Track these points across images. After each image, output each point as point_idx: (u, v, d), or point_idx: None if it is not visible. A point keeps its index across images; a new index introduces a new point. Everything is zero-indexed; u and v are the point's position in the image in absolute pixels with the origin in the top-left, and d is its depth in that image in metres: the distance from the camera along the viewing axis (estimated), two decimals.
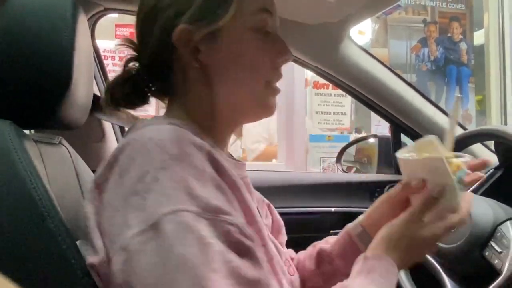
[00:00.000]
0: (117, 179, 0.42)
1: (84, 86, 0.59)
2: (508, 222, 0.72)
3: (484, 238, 0.71)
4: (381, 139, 1.47)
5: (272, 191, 1.25)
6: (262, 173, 1.39)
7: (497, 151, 1.03)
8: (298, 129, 3.13)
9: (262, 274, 0.41)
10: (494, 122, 3.29)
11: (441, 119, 1.19)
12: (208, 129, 0.53)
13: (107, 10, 1.04)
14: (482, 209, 0.75)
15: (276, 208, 1.22)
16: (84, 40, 0.57)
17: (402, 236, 0.49)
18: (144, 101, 0.57)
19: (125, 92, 0.55)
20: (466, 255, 0.73)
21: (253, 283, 0.39)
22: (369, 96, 1.17)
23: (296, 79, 2.94)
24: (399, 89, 1.15)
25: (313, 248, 0.72)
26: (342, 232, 0.65)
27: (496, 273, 0.67)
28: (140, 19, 0.54)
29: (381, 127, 3.29)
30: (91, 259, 0.42)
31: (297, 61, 1.13)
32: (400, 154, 0.54)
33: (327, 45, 1.07)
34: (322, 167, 3.19)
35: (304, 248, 1.22)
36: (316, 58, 1.10)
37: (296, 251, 1.23)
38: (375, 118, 3.42)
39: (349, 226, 0.65)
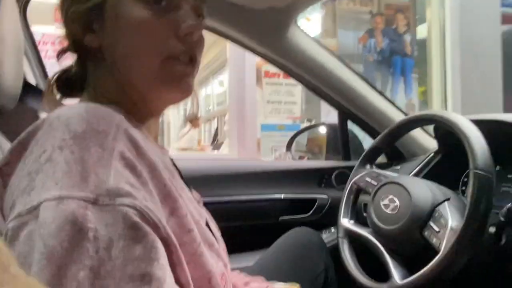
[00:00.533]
0: (20, 162, 0.40)
1: (12, 71, 0.56)
2: (445, 202, 0.76)
3: (423, 219, 0.75)
4: (329, 127, 1.51)
5: (221, 180, 1.24)
6: (210, 162, 1.38)
7: (436, 136, 1.08)
8: (250, 119, 3.15)
9: (151, 267, 0.35)
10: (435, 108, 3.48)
11: (386, 107, 1.23)
12: (128, 112, 0.49)
13: None
14: (422, 191, 0.79)
15: (224, 196, 1.22)
16: (10, 24, 0.55)
17: None
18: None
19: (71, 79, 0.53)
20: (407, 236, 0.77)
21: (134, 277, 0.34)
22: (316, 83, 1.18)
23: (247, 67, 2.94)
24: (345, 77, 1.18)
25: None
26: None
27: (435, 251, 0.70)
28: (59, 4, 0.52)
29: (332, 116, 3.38)
30: None
31: (245, 46, 1.12)
32: None
33: (274, 31, 1.06)
34: (274, 156, 3.23)
35: (253, 236, 1.24)
36: (264, 44, 1.09)
37: (246, 239, 1.23)
38: (325, 107, 3.50)
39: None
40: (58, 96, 0.55)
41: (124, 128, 0.41)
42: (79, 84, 0.54)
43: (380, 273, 0.79)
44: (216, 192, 1.21)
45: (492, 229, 0.76)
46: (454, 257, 0.66)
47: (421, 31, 3.52)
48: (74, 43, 0.51)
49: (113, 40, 0.49)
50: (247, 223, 1.24)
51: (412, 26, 3.45)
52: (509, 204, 0.74)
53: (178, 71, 0.50)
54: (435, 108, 3.44)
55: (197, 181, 1.20)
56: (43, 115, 1.04)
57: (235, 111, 3.17)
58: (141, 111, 0.52)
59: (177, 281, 0.40)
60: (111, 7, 0.48)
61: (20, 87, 0.63)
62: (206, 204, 1.25)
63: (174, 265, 0.40)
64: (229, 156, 3.15)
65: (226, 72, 3.48)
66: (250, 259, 1.01)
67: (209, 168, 1.27)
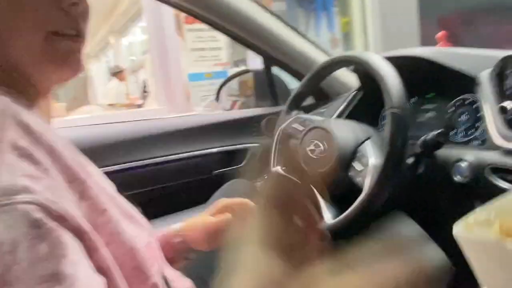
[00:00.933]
0: None
1: None
2: (367, 141, 0.80)
3: (347, 160, 0.78)
4: (256, 73, 1.49)
5: (148, 141, 1.20)
6: (135, 123, 1.32)
7: (357, 74, 1.11)
8: (175, 70, 3.02)
9: (59, 265, 0.34)
10: (357, 43, 3.58)
11: (309, 50, 1.23)
12: (15, 93, 0.45)
13: None
14: (344, 133, 0.81)
15: (154, 158, 1.18)
16: None
17: None
18: None
19: None
20: (334, 178, 0.80)
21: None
22: (236, 30, 1.14)
23: (165, 14, 2.77)
24: (266, 22, 1.15)
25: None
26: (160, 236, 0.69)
27: (360, 190, 0.74)
28: None
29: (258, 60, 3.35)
30: None
31: None
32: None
33: None
34: (204, 105, 3.18)
35: (188, 194, 1.23)
36: None
37: (182, 198, 1.23)
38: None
39: (169, 232, 0.70)
40: None
41: (11, 114, 0.38)
42: None
43: None
44: (145, 155, 1.17)
45: (410, 160, 0.81)
46: (377, 193, 0.70)
47: None
48: None
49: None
50: (180, 182, 1.23)
51: None
52: (424, 136, 0.79)
53: (64, 48, 0.46)
54: (357, 39, 3.54)
55: (124, 145, 1.16)
56: None
57: (158, 63, 3.02)
58: (28, 91, 0.47)
59: (99, 267, 0.39)
60: None
61: None
62: (136, 168, 1.21)
63: (91, 252, 0.38)
64: (158, 111, 3.05)
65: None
66: (187, 217, 1.01)
67: (135, 130, 1.22)
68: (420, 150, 0.79)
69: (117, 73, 5.53)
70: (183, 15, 3.07)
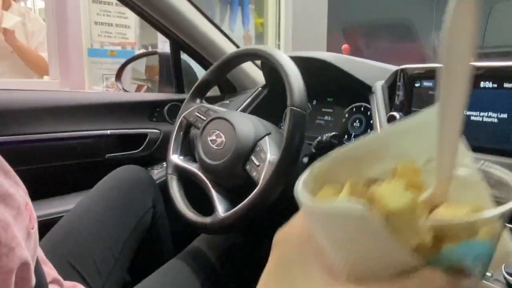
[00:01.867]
0: None
1: None
2: (266, 137, 0.81)
3: (245, 153, 0.78)
4: (162, 56, 1.43)
5: (36, 115, 1.08)
6: (27, 93, 1.18)
7: (263, 70, 1.13)
8: (73, 41, 2.77)
9: None
10: (269, 44, 3.67)
11: (219, 39, 1.21)
12: None
13: None
14: (246, 127, 0.81)
15: (41, 134, 1.07)
16: None
17: None
18: None
19: None
20: (230, 170, 0.80)
21: None
22: (146, 9, 1.08)
23: None
24: (177, 5, 1.11)
25: None
26: None
27: (255, 184, 0.75)
28: None
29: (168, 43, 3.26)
30: None
31: None
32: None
33: None
34: (105, 85, 2.98)
35: (77, 176, 1.14)
36: None
37: (69, 180, 1.13)
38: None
39: None
40: None
41: None
42: None
43: (208, 208, 0.81)
44: (30, 129, 1.05)
45: (305, 159, 0.85)
46: (271, 188, 0.72)
47: None
48: None
49: None
50: (69, 162, 1.13)
51: None
52: (319, 137, 0.82)
53: None
54: (270, 40, 3.63)
55: (9, 115, 1.02)
56: None
57: (54, 28, 2.74)
58: None
59: None
60: None
61: None
62: (21, 143, 1.08)
63: None
64: (50, 84, 2.77)
65: None
66: (74, 201, 0.93)
67: (23, 100, 1.09)
68: (314, 151, 0.82)
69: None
70: None
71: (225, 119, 0.84)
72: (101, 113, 1.20)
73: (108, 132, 1.18)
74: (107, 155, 1.18)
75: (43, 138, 1.08)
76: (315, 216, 0.22)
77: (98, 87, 2.92)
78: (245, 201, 0.73)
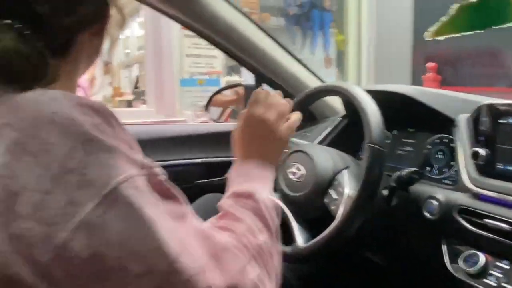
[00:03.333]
0: (28, 162, 0.40)
1: None
2: (344, 170, 0.83)
3: (324, 187, 0.81)
4: (247, 88, 1.52)
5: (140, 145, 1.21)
6: (131, 127, 1.34)
7: (343, 101, 1.15)
8: (168, 74, 3.04)
9: (186, 208, 0.48)
10: (350, 63, 3.65)
11: (300, 72, 1.27)
12: None
13: None
14: (324, 160, 0.84)
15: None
16: None
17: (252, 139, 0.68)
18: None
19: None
20: (310, 202, 0.83)
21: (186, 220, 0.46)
22: (231, 47, 1.17)
23: (163, 19, 2.79)
24: (261, 41, 1.18)
25: None
26: None
27: (333, 218, 0.77)
28: None
29: None
30: None
31: (156, 8, 1.07)
32: None
33: None
34: (194, 112, 3.20)
35: None
36: (174, 5, 1.05)
37: None
38: None
39: None
40: None
41: (104, 110, 0.46)
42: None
43: (285, 237, 0.85)
44: None
45: (384, 192, 0.84)
46: (349, 223, 0.74)
47: None
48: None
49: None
50: None
51: None
52: (400, 171, 0.82)
53: None
54: (351, 59, 3.60)
55: None
56: None
57: (152, 62, 3.03)
58: None
59: None
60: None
61: None
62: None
63: None
64: (147, 113, 3.06)
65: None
66: None
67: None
68: (394, 185, 0.82)
69: (104, 65, 5.46)
70: None
71: (304, 152, 0.88)
72: (192, 143, 1.31)
73: (198, 160, 1.29)
74: (195, 181, 1.29)
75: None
76: None
77: (187, 112, 3.15)
78: (323, 234, 0.76)
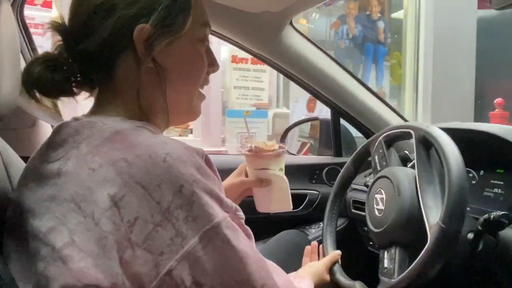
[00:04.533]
0: (142, 195, 0.46)
1: (9, 77, 0.57)
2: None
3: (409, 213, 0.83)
4: (323, 122, 1.57)
5: None
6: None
7: None
8: (215, 104, 3.15)
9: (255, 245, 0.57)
10: (407, 96, 3.62)
11: (379, 108, 1.32)
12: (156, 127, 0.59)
13: None
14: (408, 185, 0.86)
15: None
16: (6, 27, 0.56)
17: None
18: (69, 91, 0.59)
19: (52, 78, 0.56)
20: (394, 234, 0.85)
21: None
22: (309, 82, 1.24)
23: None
24: (339, 77, 1.26)
25: None
26: None
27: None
28: (91, 9, 0.56)
29: (300, 103, 3.49)
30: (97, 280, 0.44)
31: (239, 46, 1.15)
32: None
33: (268, 33, 1.12)
34: (240, 143, 3.27)
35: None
36: (258, 45, 1.14)
37: None
38: (294, 93, 3.59)
39: None
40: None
41: (203, 154, 0.54)
42: (67, 86, 0.58)
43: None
44: None
45: (470, 236, 0.82)
46: (428, 265, 0.74)
47: (396, 17, 3.62)
48: (112, 51, 0.56)
49: (173, 67, 0.58)
50: None
51: (387, 13, 3.56)
52: (488, 214, 0.81)
53: (200, 109, 0.65)
54: (407, 93, 3.57)
55: None
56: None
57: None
58: (159, 129, 0.61)
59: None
60: (180, 40, 0.58)
61: (18, 93, 0.63)
62: None
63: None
64: (193, 142, 3.15)
65: None
66: None
67: None
68: (481, 228, 0.81)
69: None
70: (231, 53, 3.24)
71: (386, 177, 0.91)
72: None
73: None
74: (271, 213, 1.33)
75: None
76: None
77: (232, 144, 3.22)
78: (403, 274, 0.77)
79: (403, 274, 0.78)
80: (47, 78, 0.56)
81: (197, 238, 0.47)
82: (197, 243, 0.47)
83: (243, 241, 0.51)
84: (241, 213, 0.55)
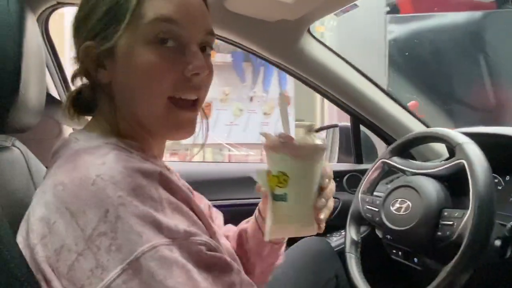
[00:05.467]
0: (69, 222, 0.43)
1: (35, 89, 0.60)
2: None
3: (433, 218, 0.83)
4: (342, 129, 1.56)
5: (211, 184, 1.27)
6: (194, 165, 1.44)
7: (446, 146, 1.13)
8: None
9: (235, 277, 0.48)
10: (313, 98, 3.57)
11: (400, 114, 1.28)
12: (139, 142, 0.55)
13: (60, 4, 1.04)
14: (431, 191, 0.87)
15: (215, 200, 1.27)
16: (32, 41, 0.58)
17: None
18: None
19: (84, 102, 0.58)
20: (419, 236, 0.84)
21: None
22: (328, 89, 1.23)
23: None
24: (358, 84, 1.23)
25: (237, 228, 0.78)
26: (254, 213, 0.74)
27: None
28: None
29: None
30: None
31: (257, 55, 1.17)
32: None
33: (286, 41, 1.12)
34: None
35: None
36: (276, 54, 1.14)
37: None
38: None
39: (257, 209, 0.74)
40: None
41: (157, 174, 0.47)
42: (90, 106, 0.59)
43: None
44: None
45: (497, 242, 0.80)
46: (458, 273, 0.72)
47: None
48: (86, 73, 0.56)
49: (123, 79, 0.53)
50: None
51: None
52: None
53: (183, 118, 0.55)
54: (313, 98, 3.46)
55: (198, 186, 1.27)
56: (65, 127, 1.11)
57: None
58: (149, 143, 0.57)
59: None
60: (122, 48, 0.52)
61: (43, 103, 0.66)
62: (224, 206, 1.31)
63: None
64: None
65: None
66: None
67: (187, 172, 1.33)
68: (508, 235, 0.78)
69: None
70: None
71: (409, 186, 0.90)
72: None
73: None
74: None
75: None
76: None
77: None
78: (433, 283, 0.75)
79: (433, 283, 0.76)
80: (83, 102, 0.58)
81: (119, 270, 0.41)
82: (118, 277, 0.41)
83: (177, 277, 0.42)
84: (201, 238, 0.46)
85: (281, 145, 0.52)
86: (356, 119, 1.36)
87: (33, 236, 0.45)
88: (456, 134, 0.85)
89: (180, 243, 0.44)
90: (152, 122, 0.54)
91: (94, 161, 0.46)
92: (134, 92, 0.53)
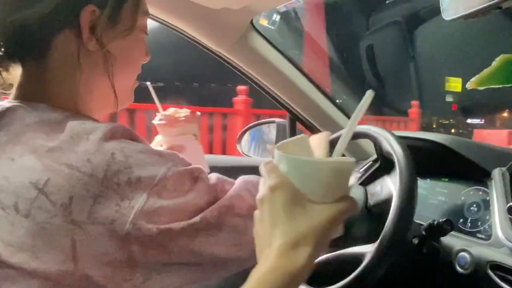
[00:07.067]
0: (71, 175, 0.44)
1: None
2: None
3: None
4: (279, 125, 1.55)
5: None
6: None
7: (375, 146, 1.16)
8: None
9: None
10: None
11: (331, 111, 1.29)
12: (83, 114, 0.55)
13: None
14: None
15: None
16: None
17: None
18: None
19: None
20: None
21: None
22: (267, 84, 1.21)
23: None
24: (297, 81, 1.22)
25: None
26: None
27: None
28: None
29: None
30: None
31: (199, 44, 1.13)
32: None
33: (228, 31, 1.08)
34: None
35: None
36: (217, 43, 1.11)
37: None
38: None
39: None
40: None
41: None
42: None
43: None
44: None
45: (415, 241, 0.83)
46: (373, 268, 0.72)
47: None
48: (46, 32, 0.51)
49: (116, 52, 0.56)
50: None
51: None
52: (431, 221, 0.81)
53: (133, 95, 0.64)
54: None
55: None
56: None
57: None
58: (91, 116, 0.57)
59: None
60: (124, 26, 0.56)
61: None
62: None
63: None
64: None
65: None
66: None
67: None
68: (425, 234, 0.81)
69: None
70: None
71: None
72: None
73: None
74: None
75: None
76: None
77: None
78: (350, 277, 0.75)
79: (350, 277, 0.76)
80: None
81: (145, 196, 0.46)
82: (146, 201, 0.46)
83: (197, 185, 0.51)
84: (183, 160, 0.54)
85: None
86: (293, 116, 1.36)
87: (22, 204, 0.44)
88: (385, 132, 0.86)
89: (178, 164, 0.51)
90: (126, 94, 0.62)
91: (76, 124, 0.48)
92: (124, 68, 0.59)
